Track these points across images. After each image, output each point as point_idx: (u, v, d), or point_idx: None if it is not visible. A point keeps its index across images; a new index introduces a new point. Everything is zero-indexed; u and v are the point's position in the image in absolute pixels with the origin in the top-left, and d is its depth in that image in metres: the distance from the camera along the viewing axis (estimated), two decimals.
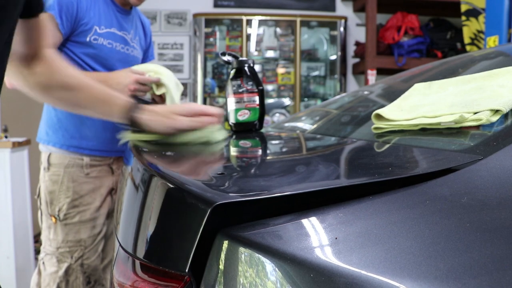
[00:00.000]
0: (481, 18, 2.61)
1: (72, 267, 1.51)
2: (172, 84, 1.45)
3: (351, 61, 4.31)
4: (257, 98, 1.13)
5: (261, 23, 4.20)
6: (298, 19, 4.07)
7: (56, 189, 1.51)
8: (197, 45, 4.00)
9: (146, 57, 1.78)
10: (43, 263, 1.54)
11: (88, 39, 1.46)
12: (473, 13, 2.72)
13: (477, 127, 0.65)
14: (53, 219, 1.51)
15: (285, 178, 0.56)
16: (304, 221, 0.42)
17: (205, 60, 4.06)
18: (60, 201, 1.51)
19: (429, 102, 0.79)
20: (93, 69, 1.50)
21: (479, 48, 2.69)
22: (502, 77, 0.76)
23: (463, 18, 2.80)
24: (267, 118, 3.96)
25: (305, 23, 4.19)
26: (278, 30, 4.27)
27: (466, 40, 2.81)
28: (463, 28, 2.82)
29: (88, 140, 1.53)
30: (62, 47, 1.47)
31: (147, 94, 1.49)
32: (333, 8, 4.29)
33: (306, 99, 4.32)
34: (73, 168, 1.52)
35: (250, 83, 1.12)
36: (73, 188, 1.51)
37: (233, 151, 0.89)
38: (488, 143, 0.60)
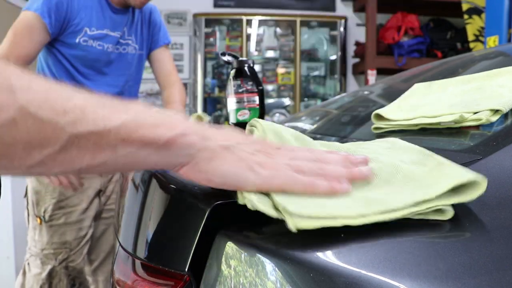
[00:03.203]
0: (484, 15, 2.62)
1: (56, 269, 1.48)
2: None
3: (351, 61, 4.31)
4: (257, 98, 1.13)
5: (261, 23, 4.20)
6: (298, 19, 4.07)
7: (42, 189, 1.48)
8: (197, 45, 4.01)
9: (156, 41, 1.66)
10: (28, 264, 1.51)
11: (77, 40, 1.43)
12: (475, 11, 2.73)
13: (477, 127, 0.65)
14: (38, 220, 1.48)
15: None
16: None
17: (205, 60, 4.06)
18: (46, 201, 1.48)
19: (429, 102, 0.79)
20: (81, 73, 1.47)
21: (483, 43, 2.70)
22: (502, 77, 0.76)
23: (466, 16, 2.80)
24: (267, 118, 3.96)
25: (305, 23, 4.19)
26: (278, 30, 4.27)
27: (470, 37, 2.80)
28: (466, 26, 2.83)
29: None
30: (51, 48, 1.44)
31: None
32: (333, 8, 4.29)
33: (306, 99, 4.32)
34: None
35: (250, 83, 1.12)
36: (59, 189, 1.48)
37: None
38: (487, 143, 0.60)
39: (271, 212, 0.39)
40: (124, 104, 0.40)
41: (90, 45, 1.45)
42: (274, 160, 0.43)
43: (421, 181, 0.43)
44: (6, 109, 0.33)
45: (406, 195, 0.41)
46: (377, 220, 0.39)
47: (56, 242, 1.48)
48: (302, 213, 0.38)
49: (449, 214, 0.41)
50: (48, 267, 1.48)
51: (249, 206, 0.41)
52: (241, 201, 0.41)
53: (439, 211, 0.40)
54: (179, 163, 0.41)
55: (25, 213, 1.54)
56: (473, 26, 2.78)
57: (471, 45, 2.81)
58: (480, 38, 2.73)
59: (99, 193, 1.58)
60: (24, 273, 1.52)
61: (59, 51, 1.45)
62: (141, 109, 0.40)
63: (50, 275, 1.48)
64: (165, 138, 0.39)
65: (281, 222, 0.39)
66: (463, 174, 0.41)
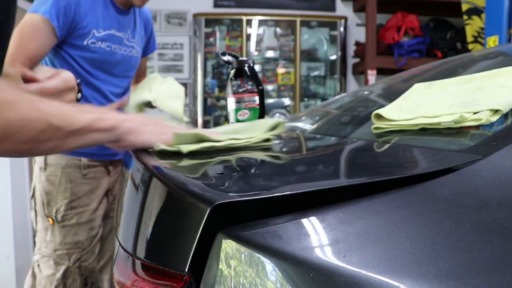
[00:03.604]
0: (483, 15, 2.61)
1: (70, 270, 1.49)
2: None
3: (351, 61, 4.31)
4: (257, 98, 1.13)
5: (261, 23, 4.20)
6: (298, 19, 4.07)
7: (53, 189, 1.49)
8: (197, 45, 4.00)
9: (147, 48, 1.75)
10: (38, 265, 1.51)
11: (85, 42, 1.45)
12: (475, 11, 2.72)
13: (477, 127, 0.65)
14: (50, 221, 1.49)
15: (285, 178, 0.56)
16: (304, 221, 0.42)
17: (205, 60, 4.06)
18: (58, 202, 1.49)
19: (429, 102, 0.79)
20: (89, 73, 1.48)
21: (482, 45, 2.69)
22: (502, 77, 0.76)
23: (465, 17, 2.80)
24: (267, 118, 3.95)
25: (305, 23, 4.18)
26: (278, 30, 4.27)
27: (469, 38, 2.80)
28: (466, 27, 2.82)
29: None
30: (58, 50, 1.45)
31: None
32: (333, 8, 4.29)
33: (306, 99, 4.32)
34: (71, 169, 1.50)
35: (250, 83, 1.12)
36: (70, 189, 1.49)
37: (233, 151, 0.89)
38: (488, 143, 0.60)
39: (168, 148, 0.72)
40: (90, 108, 0.72)
41: (98, 46, 1.47)
42: (166, 130, 0.76)
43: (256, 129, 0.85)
44: (40, 123, 0.60)
45: (247, 135, 0.80)
46: (231, 143, 0.77)
47: (69, 242, 1.50)
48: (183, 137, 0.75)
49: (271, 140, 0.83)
50: (62, 268, 1.49)
51: (157, 148, 0.73)
52: (155, 148, 0.73)
53: (267, 140, 0.82)
54: (117, 139, 0.73)
55: (32, 214, 1.54)
56: (472, 27, 2.77)
57: (470, 46, 2.80)
58: (479, 39, 2.72)
59: (107, 193, 1.60)
60: (34, 274, 1.52)
61: (67, 53, 1.46)
62: (97, 110, 0.72)
63: (65, 276, 1.49)
64: (110, 126, 0.71)
65: (282, 223, 0.39)
66: (272, 121, 0.87)
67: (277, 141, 0.98)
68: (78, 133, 0.66)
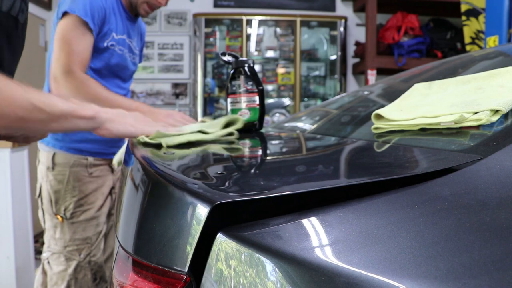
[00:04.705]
0: (481, 18, 2.62)
1: (80, 265, 1.54)
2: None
3: (351, 61, 4.31)
4: (257, 98, 1.13)
5: (261, 23, 4.20)
6: (298, 19, 4.07)
7: (61, 188, 1.53)
8: (197, 45, 4.01)
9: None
10: (48, 262, 1.55)
11: (105, 44, 1.49)
12: (473, 13, 2.72)
13: (477, 127, 0.65)
14: (60, 218, 1.54)
15: (285, 178, 0.56)
16: (304, 221, 0.42)
17: (205, 60, 4.06)
18: (66, 200, 1.53)
19: (429, 102, 0.79)
20: (100, 73, 1.52)
21: (479, 47, 2.69)
22: (502, 77, 0.76)
23: (463, 18, 2.80)
24: (267, 118, 3.96)
25: (305, 23, 4.19)
26: (278, 30, 4.27)
27: (467, 40, 2.81)
28: (464, 28, 2.83)
29: (89, 143, 1.56)
30: None
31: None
32: (333, 8, 4.29)
33: (306, 99, 4.32)
34: (78, 168, 1.54)
35: (250, 83, 1.12)
36: (79, 187, 1.54)
37: (233, 151, 0.89)
38: (488, 143, 0.60)
39: (150, 141, 0.80)
40: (74, 100, 0.83)
41: (114, 49, 1.53)
42: (142, 122, 0.93)
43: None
44: (25, 103, 0.73)
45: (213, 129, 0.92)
46: (201, 137, 0.87)
47: (78, 238, 1.55)
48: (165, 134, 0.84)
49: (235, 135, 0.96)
50: (74, 263, 1.54)
51: (142, 140, 0.81)
52: (136, 141, 0.82)
53: (230, 134, 0.96)
54: (96, 126, 0.86)
55: (39, 213, 1.58)
56: (470, 28, 2.77)
57: (467, 47, 2.81)
58: (477, 41, 2.73)
59: (111, 190, 1.64)
60: (44, 271, 1.57)
61: None
62: (75, 101, 0.83)
63: (76, 271, 1.54)
64: (91, 115, 0.85)
65: (282, 223, 0.39)
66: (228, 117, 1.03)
67: (277, 141, 0.99)
68: (61, 117, 0.78)
